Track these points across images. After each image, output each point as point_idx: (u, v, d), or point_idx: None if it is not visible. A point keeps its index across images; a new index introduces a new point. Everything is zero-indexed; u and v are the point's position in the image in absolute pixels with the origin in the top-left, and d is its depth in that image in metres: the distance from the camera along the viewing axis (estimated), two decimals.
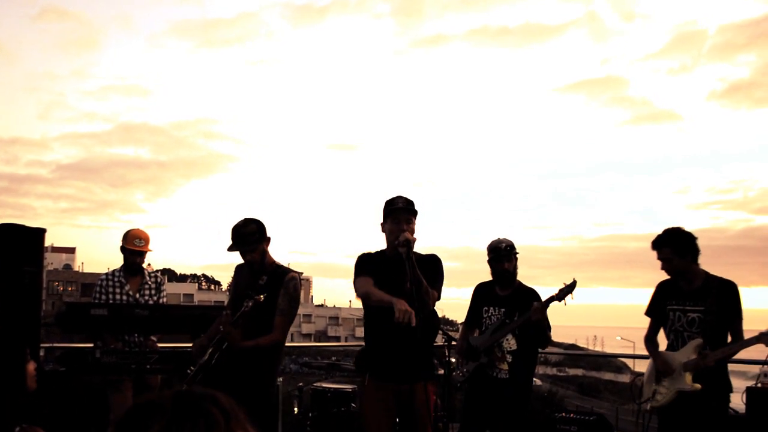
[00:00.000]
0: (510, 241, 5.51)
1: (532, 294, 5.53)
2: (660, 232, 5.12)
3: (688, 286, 5.05)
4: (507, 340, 5.42)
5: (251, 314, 4.62)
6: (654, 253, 5.11)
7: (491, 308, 5.54)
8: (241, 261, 5.00)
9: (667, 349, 5.20)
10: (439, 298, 4.58)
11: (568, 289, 5.18)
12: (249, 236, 4.82)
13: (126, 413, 1.20)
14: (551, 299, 5.23)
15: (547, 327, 5.40)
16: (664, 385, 5.09)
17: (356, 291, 4.62)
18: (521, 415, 5.45)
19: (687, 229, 5.09)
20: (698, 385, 4.89)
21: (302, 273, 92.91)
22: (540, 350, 5.87)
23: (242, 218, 4.90)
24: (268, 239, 4.94)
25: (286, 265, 5.09)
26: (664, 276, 5.19)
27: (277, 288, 4.84)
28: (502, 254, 5.46)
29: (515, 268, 5.53)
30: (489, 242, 5.56)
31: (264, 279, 4.86)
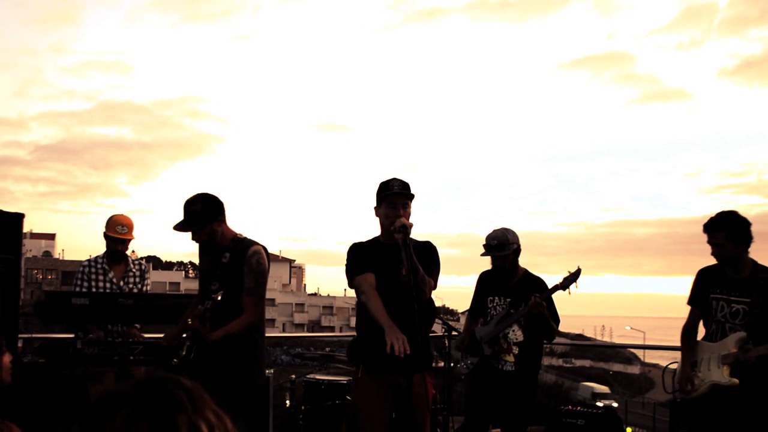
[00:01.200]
0: (502, 236, 5.47)
1: (539, 283, 5.53)
2: (713, 215, 5.00)
3: (735, 275, 4.97)
4: (513, 331, 5.43)
5: (218, 304, 4.59)
6: (704, 237, 4.97)
7: (496, 298, 5.55)
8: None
9: (705, 339, 5.16)
10: (435, 287, 4.57)
11: (573, 277, 5.19)
12: (194, 216, 4.71)
13: (89, 405, 1.22)
14: (554, 289, 5.24)
15: (555, 319, 5.39)
16: (699, 377, 5.05)
17: (358, 290, 4.56)
18: (527, 409, 5.47)
19: (742, 214, 4.97)
20: (736, 380, 4.85)
21: (294, 260, 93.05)
22: (545, 342, 5.87)
23: (194, 194, 4.79)
24: (220, 218, 4.78)
25: (252, 238, 4.93)
26: (708, 262, 5.08)
27: (241, 264, 4.74)
28: (492, 251, 5.47)
29: (513, 260, 5.51)
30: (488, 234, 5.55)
31: (227, 256, 4.76)
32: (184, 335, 4.79)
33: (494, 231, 5.51)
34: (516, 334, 5.42)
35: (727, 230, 4.88)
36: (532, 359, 5.48)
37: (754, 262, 4.99)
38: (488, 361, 5.47)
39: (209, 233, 4.77)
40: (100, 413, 1.19)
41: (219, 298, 4.50)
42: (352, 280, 4.59)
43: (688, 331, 5.25)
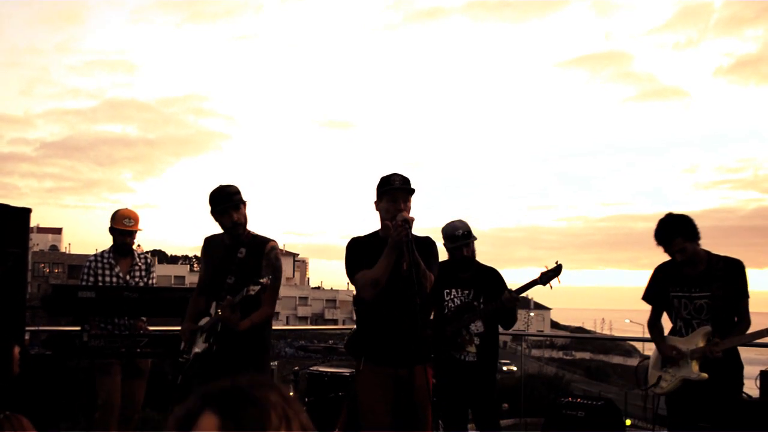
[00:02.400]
0: (466, 226, 5.49)
1: (494, 274, 5.56)
2: (658, 224, 5.01)
3: (693, 271, 5.00)
4: (474, 323, 5.44)
5: (250, 298, 4.60)
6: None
7: (453, 290, 5.50)
8: (209, 234, 4.99)
9: (671, 334, 5.19)
10: (434, 282, 4.57)
11: (552, 273, 5.15)
12: (234, 195, 4.78)
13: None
14: (531, 284, 5.21)
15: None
16: (670, 372, 5.09)
17: (361, 289, 4.55)
18: (495, 395, 5.55)
19: (680, 212, 5.04)
20: (705, 375, 4.89)
21: (298, 254, 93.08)
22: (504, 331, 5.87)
23: (217, 185, 4.85)
24: (246, 203, 4.87)
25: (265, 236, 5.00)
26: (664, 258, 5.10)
27: (258, 259, 4.81)
28: (459, 241, 5.44)
29: (473, 252, 5.54)
30: (444, 225, 5.55)
31: (243, 252, 4.81)
32: (202, 325, 4.83)
33: (454, 222, 5.52)
34: (476, 325, 5.43)
35: (681, 234, 4.91)
36: (492, 349, 5.53)
37: (708, 253, 5.02)
38: (448, 353, 5.44)
39: (245, 216, 4.84)
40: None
41: (252, 293, 4.51)
42: (353, 277, 4.60)
43: (652, 324, 5.31)
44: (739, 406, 5.09)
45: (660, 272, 5.22)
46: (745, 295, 4.94)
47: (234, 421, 1.23)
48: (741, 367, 5.01)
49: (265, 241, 4.90)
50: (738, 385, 5.03)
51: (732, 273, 4.94)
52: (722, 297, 4.89)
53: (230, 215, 4.77)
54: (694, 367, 4.93)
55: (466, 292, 5.48)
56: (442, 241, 5.51)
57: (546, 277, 5.16)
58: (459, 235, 5.45)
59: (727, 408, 4.89)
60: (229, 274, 4.78)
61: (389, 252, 4.33)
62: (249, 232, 4.91)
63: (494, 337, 5.59)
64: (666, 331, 5.26)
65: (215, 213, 4.81)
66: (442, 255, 5.40)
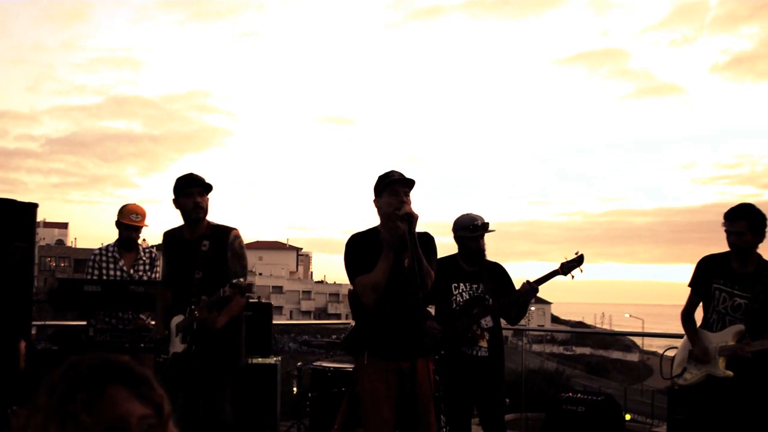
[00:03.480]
0: (480, 217, 5.42)
1: (500, 269, 5.52)
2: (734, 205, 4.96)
3: (741, 269, 4.95)
4: (485, 318, 5.35)
5: (205, 281, 4.67)
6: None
7: (461, 284, 5.40)
8: (168, 229, 5.01)
9: (703, 326, 5.15)
10: (434, 278, 4.56)
11: (575, 263, 5.08)
12: (201, 180, 4.82)
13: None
14: (553, 274, 5.14)
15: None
16: (696, 366, 5.05)
17: (361, 294, 4.46)
18: (502, 392, 5.48)
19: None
20: (730, 373, 4.85)
21: (302, 249, 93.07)
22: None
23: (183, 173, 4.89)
24: (211, 188, 4.89)
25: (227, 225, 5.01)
26: (704, 251, 5.07)
27: (223, 249, 4.81)
28: (479, 231, 5.35)
29: (485, 246, 5.45)
30: (459, 216, 5.45)
31: (206, 244, 4.79)
32: (177, 324, 4.85)
33: (471, 213, 5.44)
34: (486, 320, 5.33)
35: (749, 220, 4.85)
36: (500, 343, 5.47)
37: (760, 257, 4.97)
38: (459, 349, 5.34)
39: (207, 205, 4.85)
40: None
41: (228, 294, 4.47)
42: (352, 281, 4.59)
43: (688, 314, 5.24)
44: (764, 409, 4.97)
45: (707, 262, 5.15)
46: None
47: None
48: None
49: (227, 230, 4.89)
50: (764, 388, 4.93)
51: None
52: (762, 301, 4.85)
53: (194, 198, 4.78)
54: (721, 364, 4.90)
55: (475, 286, 5.38)
56: (453, 234, 5.46)
57: (567, 268, 5.08)
58: (479, 225, 5.35)
59: (749, 410, 4.83)
60: (195, 268, 4.76)
61: (386, 254, 4.31)
62: (208, 222, 4.91)
63: (501, 332, 5.55)
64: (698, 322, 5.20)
65: (181, 196, 4.82)
66: (448, 249, 5.40)
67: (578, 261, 5.09)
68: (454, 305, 5.38)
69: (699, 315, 5.24)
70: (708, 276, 5.10)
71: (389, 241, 4.28)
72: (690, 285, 5.24)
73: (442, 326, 5.33)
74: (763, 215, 4.89)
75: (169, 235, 5.04)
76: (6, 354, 4.41)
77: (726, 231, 4.94)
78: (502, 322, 5.62)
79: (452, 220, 5.53)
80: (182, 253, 4.87)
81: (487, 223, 5.41)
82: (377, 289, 4.38)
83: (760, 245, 4.95)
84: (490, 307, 5.32)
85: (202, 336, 4.67)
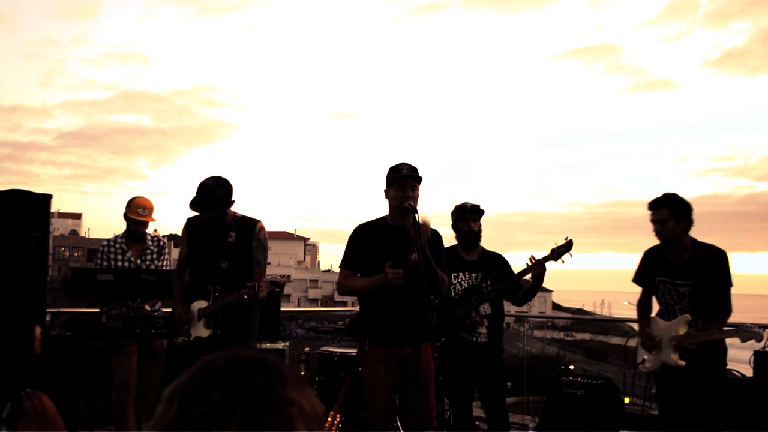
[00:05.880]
0: (477, 204, 5.48)
1: (500, 258, 5.56)
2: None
3: (677, 259, 4.99)
4: (482, 304, 5.42)
5: (230, 270, 4.76)
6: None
7: (461, 274, 5.46)
8: (192, 215, 5.00)
9: (659, 315, 5.19)
10: (447, 283, 4.70)
11: (564, 248, 5.13)
12: (217, 200, 4.77)
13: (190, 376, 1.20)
14: (544, 260, 5.17)
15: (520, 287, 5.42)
16: (653, 354, 5.11)
17: (338, 286, 4.81)
18: (502, 376, 5.54)
19: (686, 197, 4.98)
20: (682, 362, 4.90)
21: (309, 239, 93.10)
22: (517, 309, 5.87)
23: (211, 177, 4.82)
24: (233, 202, 4.88)
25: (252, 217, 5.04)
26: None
27: (249, 240, 4.87)
28: (466, 212, 5.43)
29: (480, 230, 5.51)
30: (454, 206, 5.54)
31: (233, 236, 4.86)
32: (198, 310, 4.89)
33: (462, 203, 5.52)
34: (485, 307, 5.42)
35: (670, 207, 4.89)
36: (499, 329, 5.53)
37: (693, 242, 4.98)
38: (458, 335, 5.41)
39: (223, 215, 4.85)
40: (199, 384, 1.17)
41: (264, 287, 4.59)
42: (341, 269, 4.74)
43: (641, 304, 5.34)
44: (722, 386, 5.06)
45: (648, 256, 5.22)
46: (727, 284, 4.93)
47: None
48: (724, 349, 4.98)
49: (253, 222, 4.94)
50: (719, 367, 5.00)
51: (714, 263, 4.92)
52: (704, 286, 4.89)
53: (206, 218, 4.85)
54: (672, 354, 4.95)
55: (474, 275, 5.45)
56: (451, 223, 5.51)
57: (557, 253, 5.13)
58: (467, 208, 5.43)
59: (707, 388, 4.87)
60: (222, 258, 4.81)
61: (377, 282, 4.40)
62: (235, 214, 4.94)
63: (501, 319, 5.60)
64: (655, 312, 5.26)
65: (195, 210, 4.86)
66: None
67: (567, 246, 5.14)
68: (453, 294, 5.43)
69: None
70: (650, 269, 5.17)
71: (383, 279, 4.37)
72: (634, 280, 5.33)
73: (442, 314, 5.36)
74: (686, 202, 4.93)
75: (193, 220, 5.05)
76: (21, 339, 4.42)
77: (651, 221, 4.98)
78: (510, 309, 5.64)
79: (451, 211, 5.56)
80: (207, 241, 4.90)
81: (477, 206, 5.47)
82: (349, 293, 4.78)
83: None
84: (487, 294, 5.36)
85: (226, 322, 4.78)
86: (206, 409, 1.09)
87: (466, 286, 5.44)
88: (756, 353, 5.76)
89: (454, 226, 5.52)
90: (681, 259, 4.98)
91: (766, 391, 5.63)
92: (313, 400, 1.17)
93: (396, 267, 4.35)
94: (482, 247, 5.58)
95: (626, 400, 7.06)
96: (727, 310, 4.92)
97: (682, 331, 4.92)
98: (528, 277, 5.27)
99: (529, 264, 5.18)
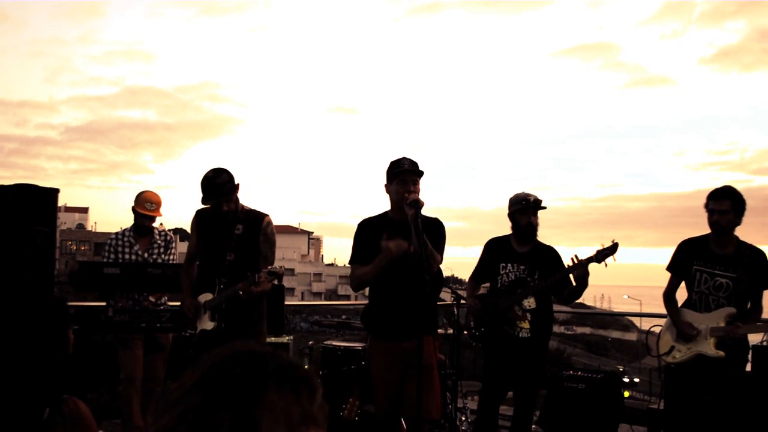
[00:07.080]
0: (539, 198, 5.28)
1: (553, 252, 5.35)
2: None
3: (720, 251, 4.96)
4: (527, 299, 5.20)
5: (236, 263, 4.74)
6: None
7: (509, 264, 5.27)
8: (201, 208, 4.97)
9: (685, 305, 5.14)
10: (441, 261, 4.57)
11: (609, 251, 4.94)
12: (222, 186, 4.74)
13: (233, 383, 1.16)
14: (589, 260, 4.98)
15: (569, 283, 5.19)
16: (685, 344, 5.04)
17: (350, 281, 4.75)
18: (542, 373, 5.40)
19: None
20: (722, 353, 4.85)
21: (312, 233, 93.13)
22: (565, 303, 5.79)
23: (210, 170, 4.80)
24: (238, 186, 4.85)
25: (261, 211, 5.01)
26: (685, 235, 5.05)
27: (256, 234, 4.85)
28: (530, 206, 5.22)
29: (537, 224, 5.29)
30: (513, 195, 5.33)
31: (240, 228, 4.83)
32: (206, 302, 4.88)
33: (522, 192, 5.32)
34: (529, 301, 5.18)
35: (733, 200, 4.87)
36: (546, 326, 5.32)
37: (738, 239, 4.98)
38: (501, 328, 5.23)
39: (236, 201, 4.84)
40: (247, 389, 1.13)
41: (264, 278, 4.56)
42: (351, 265, 4.71)
43: (670, 295, 5.26)
44: (743, 382, 5.08)
45: (686, 245, 5.16)
46: (765, 284, 4.95)
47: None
48: (748, 346, 5.05)
49: (261, 216, 4.91)
50: (744, 363, 5.05)
51: (757, 261, 4.93)
52: (747, 282, 4.87)
53: (221, 206, 4.79)
54: (712, 344, 4.90)
55: (522, 267, 5.24)
56: (507, 211, 5.33)
57: (602, 255, 4.95)
58: (530, 201, 5.23)
59: (734, 383, 4.89)
60: (228, 250, 4.80)
61: (381, 261, 4.38)
62: (243, 207, 4.91)
63: (548, 315, 5.39)
64: (680, 302, 5.22)
65: (206, 203, 4.83)
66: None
67: (612, 249, 4.95)
68: (499, 284, 5.29)
69: (681, 296, 5.25)
70: (688, 258, 5.11)
71: (385, 254, 4.36)
72: (668, 268, 5.25)
73: (484, 305, 5.28)
74: (744, 199, 4.92)
75: (202, 213, 5.04)
76: (56, 343, 4.43)
77: (709, 210, 4.93)
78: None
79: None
80: (215, 233, 4.89)
81: (540, 200, 5.29)
82: (362, 284, 4.67)
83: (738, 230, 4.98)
84: (532, 287, 5.18)
85: (231, 314, 4.75)
86: (193, 418, 1.10)
87: (513, 277, 5.25)
88: (754, 348, 5.73)
89: (511, 217, 5.31)
90: (725, 252, 4.95)
91: (765, 385, 5.61)
92: (305, 399, 1.14)
93: (397, 259, 4.34)
94: (536, 240, 5.36)
95: (626, 393, 7.06)
96: (761, 308, 4.97)
97: (723, 323, 4.88)
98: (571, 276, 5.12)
99: (572, 264, 5.02)
